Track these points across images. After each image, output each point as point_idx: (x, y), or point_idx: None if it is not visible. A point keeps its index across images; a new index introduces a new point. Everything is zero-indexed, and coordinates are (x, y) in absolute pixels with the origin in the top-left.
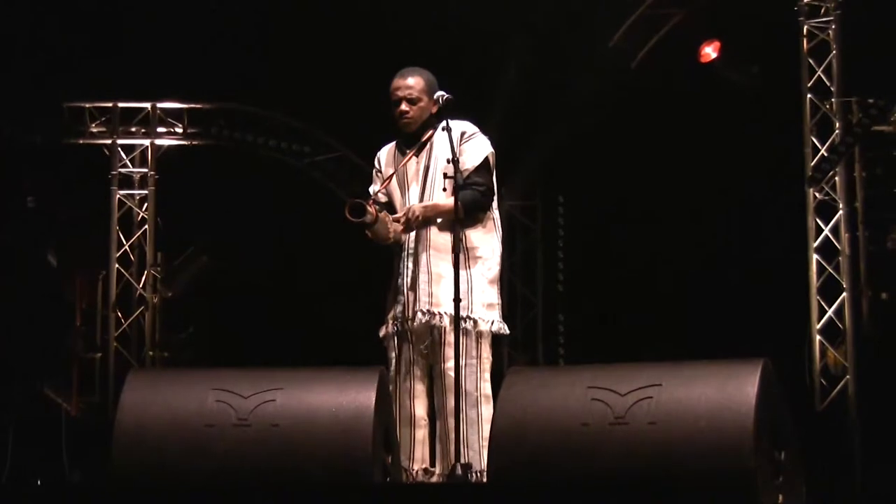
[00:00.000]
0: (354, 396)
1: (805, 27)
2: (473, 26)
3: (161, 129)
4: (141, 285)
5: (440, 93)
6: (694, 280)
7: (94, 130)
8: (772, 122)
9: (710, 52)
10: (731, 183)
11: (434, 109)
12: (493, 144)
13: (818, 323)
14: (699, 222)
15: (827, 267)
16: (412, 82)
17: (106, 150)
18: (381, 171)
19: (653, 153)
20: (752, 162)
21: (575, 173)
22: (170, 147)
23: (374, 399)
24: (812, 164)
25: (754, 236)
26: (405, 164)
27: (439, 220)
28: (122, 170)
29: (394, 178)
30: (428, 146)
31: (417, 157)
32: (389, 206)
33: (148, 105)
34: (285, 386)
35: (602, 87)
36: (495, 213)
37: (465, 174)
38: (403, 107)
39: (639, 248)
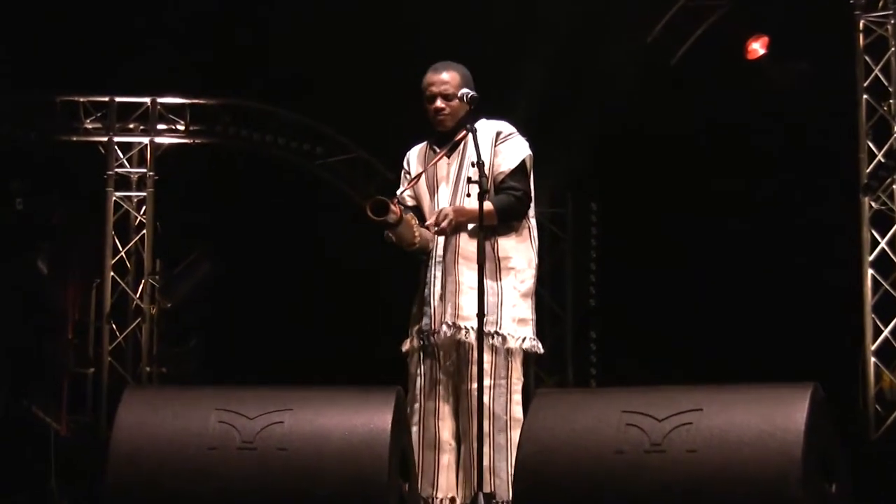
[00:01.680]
0: (369, 418)
1: (861, 22)
2: (499, 20)
3: (161, 126)
4: (138, 295)
5: (464, 90)
6: (739, 295)
7: (89, 127)
8: (824, 124)
9: (756, 47)
10: (779, 190)
11: (470, 106)
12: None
13: (873, 343)
14: (744, 232)
15: (883, 283)
16: (447, 77)
17: (102, 149)
18: (410, 173)
19: (694, 157)
20: (803, 168)
21: (609, 178)
22: (170, 145)
23: (390, 421)
24: (868, 170)
25: (805, 248)
26: (435, 163)
27: (470, 227)
28: (119, 170)
29: (422, 179)
30: (461, 146)
31: (449, 157)
32: (417, 211)
33: (147, 100)
34: (294, 406)
35: (640, 86)
36: (531, 220)
37: (500, 178)
38: (439, 104)
39: (678, 260)
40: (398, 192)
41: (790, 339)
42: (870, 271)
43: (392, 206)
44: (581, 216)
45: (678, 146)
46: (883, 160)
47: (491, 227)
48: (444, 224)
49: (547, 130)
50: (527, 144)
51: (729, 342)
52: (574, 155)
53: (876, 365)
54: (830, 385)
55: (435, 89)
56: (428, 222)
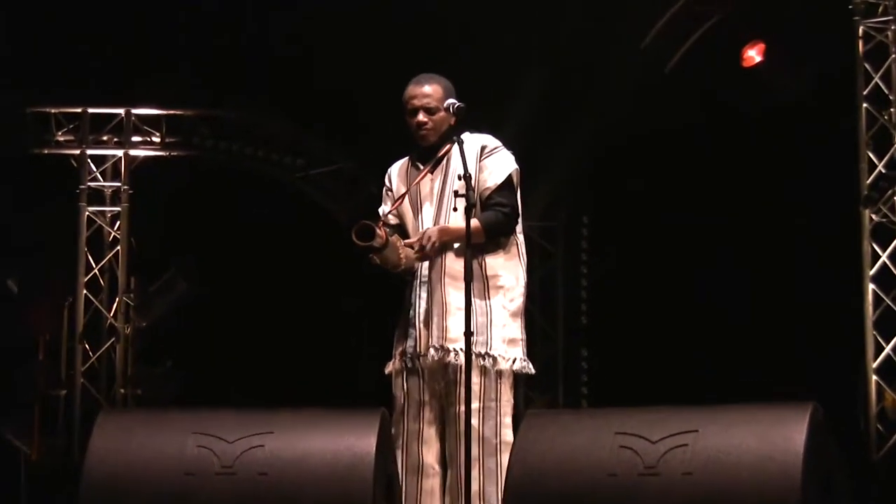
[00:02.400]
0: (353, 442)
1: (861, 28)
2: (487, 27)
3: (136, 138)
4: (112, 314)
5: (450, 101)
6: (735, 312)
7: (61, 139)
8: (822, 134)
9: (753, 55)
10: (776, 202)
11: (453, 121)
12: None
13: (874, 361)
14: (741, 247)
15: (884, 298)
16: (429, 90)
17: (74, 162)
18: (392, 190)
19: (689, 168)
20: (801, 179)
21: (601, 190)
22: (146, 158)
23: (374, 445)
24: (868, 181)
25: (802, 263)
26: (418, 181)
27: (456, 246)
28: (92, 183)
29: (406, 197)
30: (444, 161)
31: (432, 173)
32: (401, 230)
33: (121, 111)
34: (275, 429)
35: (632, 94)
36: (519, 237)
37: (486, 193)
38: (421, 118)
39: (673, 276)
40: (381, 212)
41: (788, 357)
42: (871, 286)
43: (378, 231)
44: (572, 230)
45: (673, 157)
46: (884, 171)
47: (478, 244)
48: (427, 247)
49: (537, 141)
50: (513, 158)
51: (725, 361)
52: (565, 166)
53: (877, 383)
54: (830, 405)
55: (417, 103)
56: (410, 241)
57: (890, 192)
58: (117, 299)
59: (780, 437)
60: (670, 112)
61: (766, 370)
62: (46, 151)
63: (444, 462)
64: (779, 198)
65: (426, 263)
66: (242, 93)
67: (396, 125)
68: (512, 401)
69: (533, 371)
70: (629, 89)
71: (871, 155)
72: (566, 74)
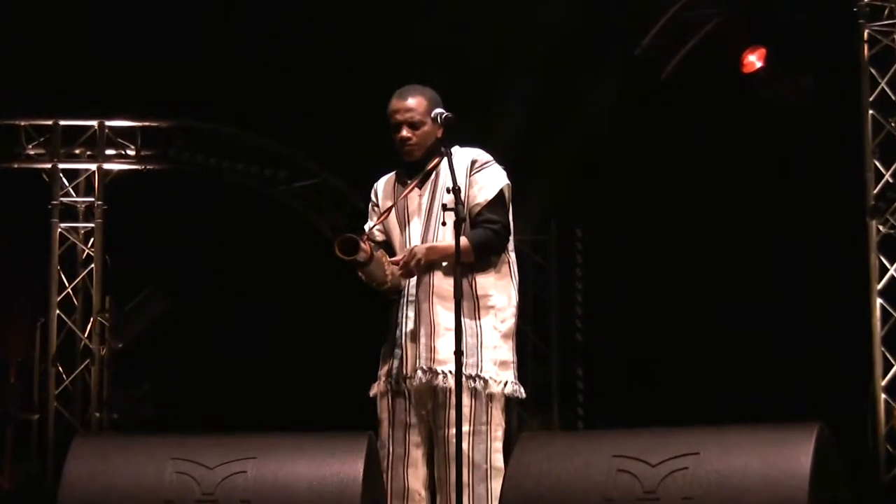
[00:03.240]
0: (339, 468)
1: (866, 31)
2: (474, 28)
3: (110, 152)
4: (86, 334)
5: (438, 110)
6: (736, 329)
7: (32, 153)
8: (827, 142)
9: (754, 60)
10: (778, 214)
11: (440, 133)
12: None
13: (883, 379)
14: (742, 260)
15: (893, 313)
16: (413, 103)
17: (45, 176)
18: (378, 206)
19: (687, 178)
20: (804, 189)
21: (595, 202)
22: (120, 172)
23: (361, 470)
24: (874, 191)
25: (807, 276)
26: (405, 196)
27: (445, 264)
28: (65, 199)
29: (392, 212)
30: (433, 176)
31: (420, 188)
32: (387, 246)
33: (94, 123)
34: (258, 455)
35: (627, 102)
36: (511, 255)
37: (477, 210)
38: (405, 133)
39: (672, 291)
40: (366, 227)
41: (793, 375)
42: (878, 300)
43: (362, 244)
44: (565, 243)
45: (670, 166)
46: (891, 180)
47: (468, 263)
48: (412, 265)
49: (528, 151)
50: (504, 174)
51: (727, 379)
52: (557, 177)
53: (886, 402)
54: (837, 424)
55: (399, 117)
56: (395, 258)
57: None
58: (92, 319)
59: (786, 459)
60: (667, 120)
61: (771, 389)
62: (16, 165)
63: (431, 487)
64: (787, 208)
65: (413, 281)
66: (220, 103)
67: (382, 137)
68: (503, 425)
69: (524, 395)
70: (623, 96)
71: (877, 163)
72: (557, 80)
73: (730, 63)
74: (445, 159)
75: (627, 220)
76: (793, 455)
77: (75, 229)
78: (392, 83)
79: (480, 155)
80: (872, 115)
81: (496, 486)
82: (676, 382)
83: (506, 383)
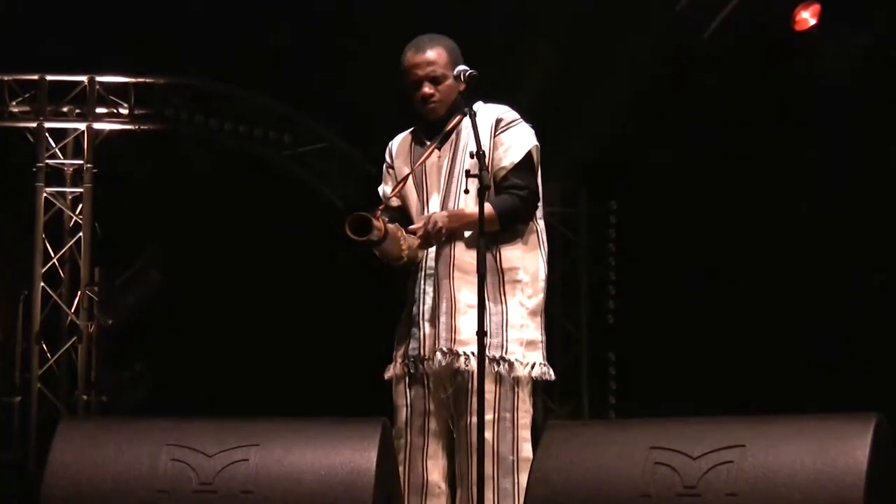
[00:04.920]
0: (350, 456)
1: None
2: None
3: (101, 110)
4: (73, 310)
5: (462, 68)
6: (784, 311)
7: (16, 110)
8: (888, 110)
9: (806, 17)
10: (830, 188)
11: (462, 88)
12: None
13: None
14: (790, 236)
15: None
16: (433, 56)
17: (30, 136)
18: (393, 168)
19: (733, 147)
20: (859, 162)
21: (630, 171)
22: (112, 132)
23: (375, 460)
24: None
25: (860, 258)
26: (425, 159)
27: (467, 234)
28: (51, 161)
29: (410, 177)
30: (454, 136)
31: (440, 149)
32: (404, 214)
33: (84, 78)
34: (261, 442)
35: (666, 63)
36: (539, 223)
37: (502, 174)
38: (427, 89)
39: (713, 269)
40: (381, 192)
41: (847, 362)
42: None
43: (375, 223)
44: (597, 217)
45: (712, 133)
46: None
47: (492, 233)
48: (432, 234)
49: (557, 113)
50: (532, 133)
51: (775, 366)
52: (589, 143)
53: None
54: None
55: (420, 72)
56: (413, 227)
57: None
58: (79, 293)
59: (840, 453)
60: (710, 82)
61: (823, 378)
62: None
63: (451, 480)
64: (840, 182)
65: (432, 254)
66: (222, 59)
67: (395, 96)
68: (531, 411)
69: (553, 377)
70: (664, 54)
71: None
72: (592, 36)
73: (780, 20)
74: (468, 118)
75: (666, 191)
76: (847, 449)
77: (62, 194)
78: (406, 36)
79: (506, 113)
80: None
81: (523, 478)
82: (718, 369)
83: (533, 365)
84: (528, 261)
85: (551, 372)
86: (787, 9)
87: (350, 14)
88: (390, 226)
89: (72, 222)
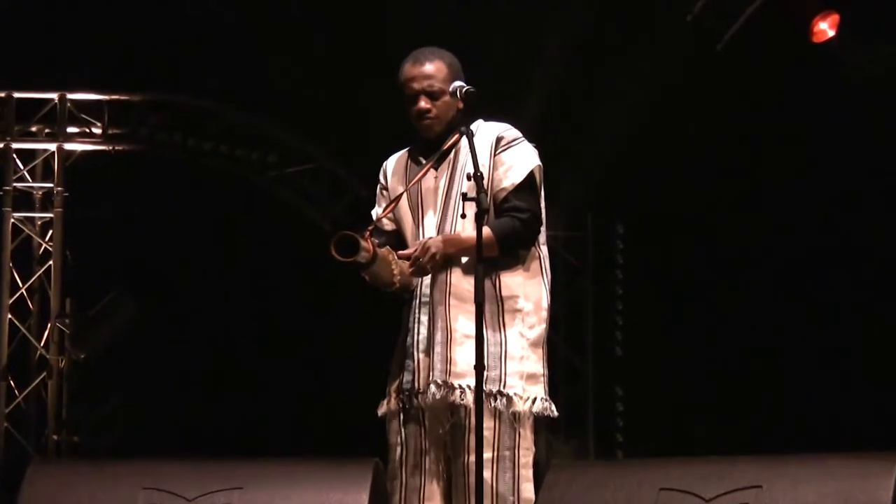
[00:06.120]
0: (341, 499)
1: None
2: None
3: (72, 129)
4: (43, 343)
5: (458, 84)
6: (801, 343)
7: None
8: None
9: (825, 28)
10: (851, 205)
11: (461, 105)
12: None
13: None
14: (809, 258)
15: None
16: (431, 69)
17: None
18: (387, 189)
19: (747, 165)
20: (881, 177)
21: (639, 191)
22: (84, 153)
23: (366, 503)
24: None
25: (881, 281)
26: (419, 179)
27: (465, 260)
28: (19, 184)
29: (404, 198)
30: (452, 155)
31: (436, 170)
32: (398, 238)
33: (54, 95)
34: (244, 484)
35: (676, 76)
36: (542, 249)
37: (502, 195)
38: (423, 104)
39: (725, 297)
40: (374, 216)
41: (869, 396)
42: None
43: (363, 243)
44: (604, 241)
45: (726, 151)
46: None
47: (491, 258)
48: (425, 260)
49: (562, 132)
50: (534, 153)
51: (792, 402)
52: (595, 163)
53: None
54: None
55: (417, 86)
56: (405, 252)
57: None
58: (49, 325)
59: (864, 493)
60: (723, 97)
61: (844, 414)
62: None
63: None
64: (861, 198)
65: (427, 281)
66: (201, 74)
67: (390, 113)
68: (532, 449)
69: (555, 413)
70: (673, 69)
71: None
72: (598, 49)
73: (796, 31)
74: (466, 138)
75: (677, 214)
76: (872, 489)
77: (31, 220)
78: (402, 50)
79: (507, 131)
80: None
81: None
82: (732, 405)
83: (534, 400)
84: (529, 288)
85: (553, 407)
86: (805, 20)
87: (341, 28)
88: (381, 249)
89: (41, 249)
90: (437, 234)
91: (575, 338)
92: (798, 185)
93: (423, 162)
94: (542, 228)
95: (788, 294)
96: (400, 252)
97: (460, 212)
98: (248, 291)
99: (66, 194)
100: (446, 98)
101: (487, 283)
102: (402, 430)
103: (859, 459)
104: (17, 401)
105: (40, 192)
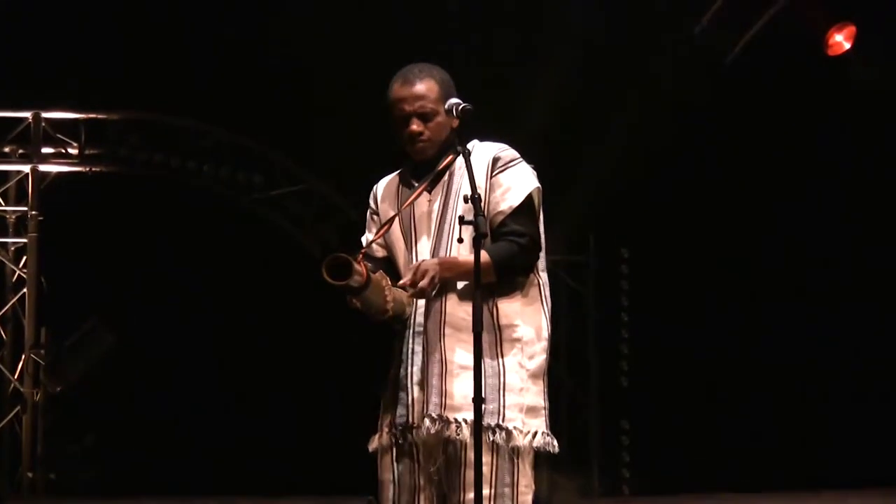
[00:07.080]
0: None
1: None
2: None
3: (47, 150)
4: (17, 375)
5: (454, 101)
6: (816, 371)
7: None
8: None
9: (840, 40)
10: (866, 224)
11: (455, 123)
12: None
13: None
14: (822, 286)
15: None
16: (423, 89)
17: None
18: (378, 214)
19: (757, 186)
20: (890, 194)
21: (643, 216)
22: (60, 174)
23: None
24: None
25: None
26: (412, 200)
27: (461, 286)
28: None
29: (396, 222)
30: (446, 177)
31: (430, 192)
32: (389, 266)
33: (28, 114)
34: None
35: (683, 92)
36: (541, 276)
37: (499, 219)
38: (415, 127)
39: (734, 323)
40: (364, 241)
41: (878, 434)
42: None
43: (356, 266)
44: (608, 266)
45: (730, 172)
46: None
47: (488, 285)
48: (423, 283)
49: (564, 154)
50: (533, 174)
51: (812, 433)
52: (598, 185)
53: None
54: None
55: (408, 107)
56: (402, 280)
57: None
58: (23, 356)
59: None
60: (731, 112)
61: (869, 443)
62: None
63: None
64: (878, 217)
65: (421, 310)
66: (182, 91)
67: (380, 132)
68: (532, 486)
69: (556, 448)
70: (680, 84)
71: None
72: (601, 64)
73: (809, 44)
74: (462, 158)
75: (683, 237)
76: None
77: (4, 245)
78: (394, 67)
79: (504, 151)
80: None
81: None
82: (746, 437)
83: (535, 434)
84: (528, 316)
85: (555, 443)
86: (820, 32)
87: (329, 46)
88: (374, 274)
89: (15, 277)
90: (432, 257)
91: (578, 368)
92: (807, 207)
93: (416, 185)
94: (542, 254)
95: (803, 320)
96: (398, 283)
97: (456, 236)
98: (230, 319)
99: (41, 218)
100: (439, 119)
101: (485, 311)
102: (395, 466)
103: (878, 496)
104: None
105: (13, 217)
